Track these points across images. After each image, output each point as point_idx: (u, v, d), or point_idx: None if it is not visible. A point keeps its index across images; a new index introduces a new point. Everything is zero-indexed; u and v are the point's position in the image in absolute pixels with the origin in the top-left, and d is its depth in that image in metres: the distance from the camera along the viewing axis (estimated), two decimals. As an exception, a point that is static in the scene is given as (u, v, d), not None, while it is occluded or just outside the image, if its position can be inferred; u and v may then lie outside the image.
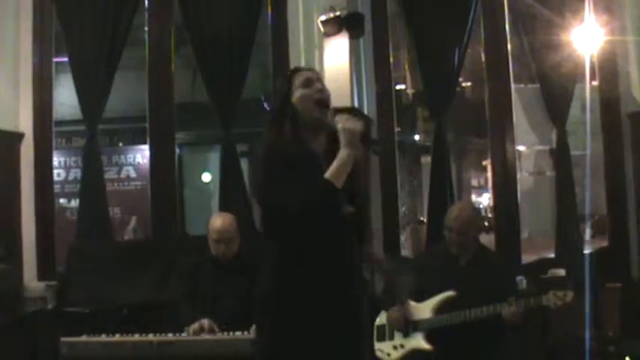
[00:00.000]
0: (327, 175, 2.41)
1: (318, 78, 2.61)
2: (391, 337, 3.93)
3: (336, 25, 4.87)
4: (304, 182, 2.38)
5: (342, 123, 2.46)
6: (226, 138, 5.40)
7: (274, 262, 2.50)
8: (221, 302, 3.86)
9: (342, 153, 2.42)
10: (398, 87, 8.55)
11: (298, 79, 2.57)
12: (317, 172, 2.43)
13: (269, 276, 2.52)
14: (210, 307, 3.85)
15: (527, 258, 5.48)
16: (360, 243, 2.61)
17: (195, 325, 3.67)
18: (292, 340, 2.44)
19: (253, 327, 3.29)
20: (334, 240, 2.48)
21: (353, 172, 2.47)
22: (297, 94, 2.54)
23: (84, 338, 3.62)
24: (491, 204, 5.81)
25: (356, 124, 2.45)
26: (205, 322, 3.68)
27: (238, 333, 3.57)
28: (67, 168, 8.23)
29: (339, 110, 2.56)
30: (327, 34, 4.92)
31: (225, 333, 3.61)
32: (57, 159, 7.09)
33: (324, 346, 2.44)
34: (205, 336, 3.62)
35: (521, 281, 4.71)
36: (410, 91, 10.00)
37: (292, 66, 5.36)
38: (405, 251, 6.29)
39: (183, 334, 3.64)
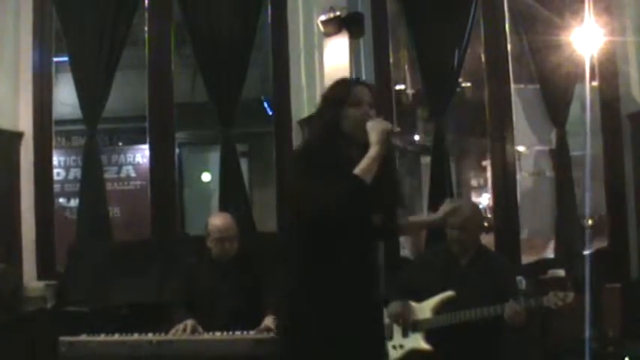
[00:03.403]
0: (357, 171, 2.45)
1: (369, 98, 2.62)
2: (390, 337, 3.92)
3: (336, 25, 4.86)
4: (338, 183, 2.43)
5: (372, 123, 2.51)
6: (226, 138, 5.40)
7: (301, 263, 2.55)
8: (221, 302, 3.86)
9: (372, 151, 2.47)
10: (398, 87, 8.54)
11: (354, 94, 2.59)
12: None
13: (294, 277, 2.57)
14: (210, 307, 3.85)
15: (526, 258, 5.48)
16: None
17: (180, 327, 3.67)
18: (317, 339, 2.48)
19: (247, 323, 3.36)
20: (361, 243, 2.54)
21: (389, 181, 2.54)
22: (349, 112, 2.56)
23: (83, 337, 3.62)
24: (491, 204, 5.80)
25: (386, 124, 2.51)
26: (189, 322, 3.67)
27: (238, 332, 3.57)
28: (66, 167, 8.21)
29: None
30: (327, 34, 4.91)
31: (225, 333, 3.61)
32: (57, 158, 7.07)
33: (349, 347, 2.48)
34: (204, 336, 3.62)
35: (521, 282, 4.72)
36: (410, 92, 9.99)
37: (292, 66, 5.39)
38: (405, 251, 6.28)
39: (164, 334, 3.64)
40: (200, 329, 3.66)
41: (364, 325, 2.55)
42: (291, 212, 2.63)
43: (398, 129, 2.57)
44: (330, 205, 2.41)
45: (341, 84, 2.70)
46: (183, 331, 3.64)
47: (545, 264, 5.27)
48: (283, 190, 5.35)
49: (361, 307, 2.53)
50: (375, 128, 2.50)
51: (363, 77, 5.36)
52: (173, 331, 3.66)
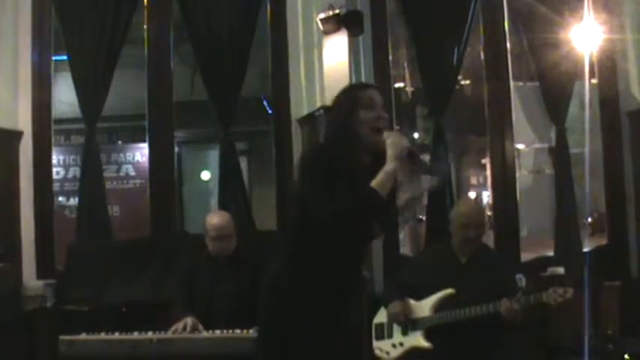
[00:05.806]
0: (373, 184, 2.44)
1: (381, 100, 2.61)
2: (390, 336, 3.93)
3: (335, 23, 4.86)
4: (353, 191, 2.43)
5: (391, 138, 2.50)
6: (225, 136, 5.40)
7: (296, 258, 2.55)
8: (219, 300, 3.86)
9: (389, 166, 2.46)
10: (397, 85, 8.56)
11: (366, 96, 2.57)
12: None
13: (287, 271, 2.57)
14: (207, 305, 3.85)
15: (526, 256, 5.49)
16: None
17: (180, 325, 3.66)
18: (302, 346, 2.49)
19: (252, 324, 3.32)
20: (357, 248, 2.57)
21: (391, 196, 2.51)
22: (362, 114, 2.53)
23: (83, 336, 3.62)
24: (491, 202, 5.82)
25: (403, 140, 2.50)
26: (189, 320, 3.67)
27: (237, 331, 3.57)
28: (66, 166, 8.23)
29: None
30: (326, 32, 4.91)
31: (224, 331, 3.61)
32: (56, 157, 7.10)
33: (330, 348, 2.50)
34: (204, 334, 3.62)
35: (521, 279, 4.72)
36: (409, 90, 10.02)
37: (291, 64, 5.39)
38: (404, 249, 6.30)
39: (164, 332, 3.64)
40: (200, 327, 3.66)
41: (346, 331, 2.58)
42: (294, 209, 2.57)
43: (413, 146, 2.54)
44: (344, 213, 2.40)
45: (353, 86, 2.73)
46: (183, 329, 3.64)
47: (544, 262, 5.27)
48: (283, 189, 5.35)
49: (346, 312, 2.56)
50: (394, 143, 2.48)
51: (363, 75, 5.38)
52: (173, 328, 3.66)
